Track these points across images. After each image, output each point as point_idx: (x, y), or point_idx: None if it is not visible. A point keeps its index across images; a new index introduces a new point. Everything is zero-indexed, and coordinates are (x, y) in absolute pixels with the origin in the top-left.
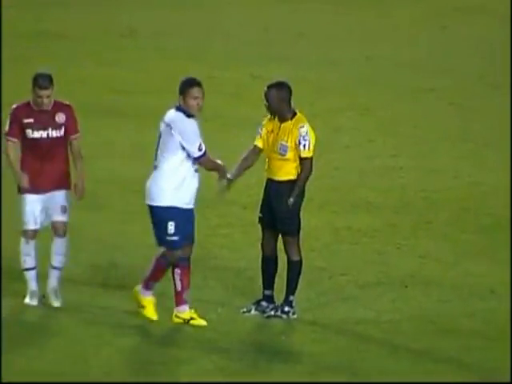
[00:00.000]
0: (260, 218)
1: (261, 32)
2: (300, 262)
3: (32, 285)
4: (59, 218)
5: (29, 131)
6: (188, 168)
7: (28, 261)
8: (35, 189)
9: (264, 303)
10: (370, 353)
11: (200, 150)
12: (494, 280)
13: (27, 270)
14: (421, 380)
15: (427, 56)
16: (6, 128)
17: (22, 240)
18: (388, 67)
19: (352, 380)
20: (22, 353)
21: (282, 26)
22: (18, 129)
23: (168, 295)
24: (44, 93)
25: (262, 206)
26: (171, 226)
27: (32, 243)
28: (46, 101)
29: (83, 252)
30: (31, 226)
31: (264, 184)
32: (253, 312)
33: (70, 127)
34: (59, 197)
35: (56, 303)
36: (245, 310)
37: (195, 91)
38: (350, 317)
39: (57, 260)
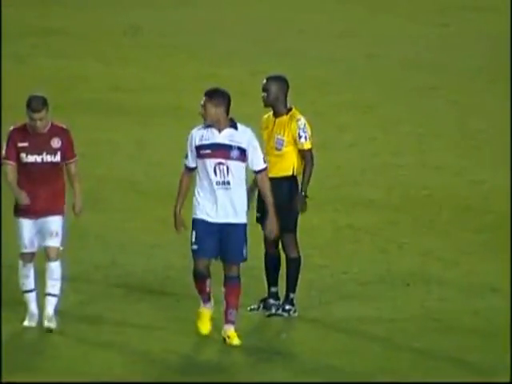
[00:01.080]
0: (258, 217)
1: (262, 29)
2: (299, 259)
3: (31, 307)
4: (50, 242)
5: (23, 155)
6: (204, 180)
7: (26, 283)
8: (29, 213)
9: (271, 300)
10: (371, 351)
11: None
12: (496, 278)
13: (26, 292)
14: (421, 379)
15: (429, 54)
16: (3, 151)
17: (20, 263)
18: (389, 65)
19: (353, 379)
20: (21, 352)
21: (283, 22)
22: (15, 152)
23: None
24: (37, 115)
25: (258, 205)
26: (193, 236)
27: (30, 266)
28: (39, 124)
29: (85, 250)
30: (27, 248)
31: None
32: (260, 310)
33: (67, 152)
34: (52, 222)
35: (50, 325)
36: (252, 307)
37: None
38: (351, 315)
39: (51, 286)
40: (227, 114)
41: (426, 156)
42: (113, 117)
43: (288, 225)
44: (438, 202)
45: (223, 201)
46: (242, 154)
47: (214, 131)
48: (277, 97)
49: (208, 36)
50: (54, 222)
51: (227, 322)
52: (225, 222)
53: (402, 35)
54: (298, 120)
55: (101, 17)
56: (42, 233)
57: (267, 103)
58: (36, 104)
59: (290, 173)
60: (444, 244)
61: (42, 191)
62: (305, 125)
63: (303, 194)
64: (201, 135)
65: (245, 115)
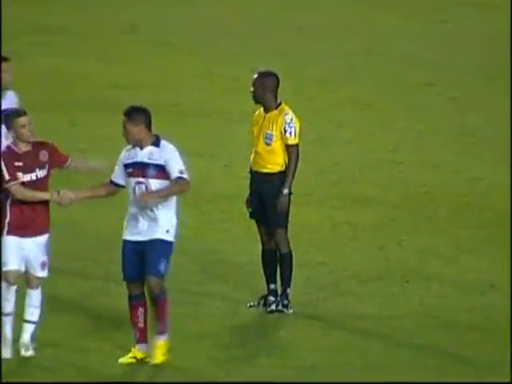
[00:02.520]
0: (250, 213)
1: (261, 27)
2: (290, 254)
3: (6, 331)
4: (38, 274)
5: (19, 174)
6: (130, 199)
7: (7, 306)
8: (20, 233)
9: (271, 298)
10: (370, 347)
11: None
12: (495, 275)
13: (5, 315)
14: (420, 375)
15: (427, 51)
16: (5, 175)
17: (3, 284)
18: (388, 62)
19: (352, 376)
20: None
21: (282, 20)
22: (14, 172)
23: None
24: (27, 119)
25: (250, 200)
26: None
27: (13, 289)
28: (29, 128)
29: (83, 247)
30: (12, 266)
31: (249, 178)
32: (260, 307)
33: (60, 158)
34: (40, 249)
35: (27, 354)
36: (252, 304)
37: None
38: (350, 312)
39: (30, 313)
40: (149, 130)
41: (425, 153)
42: (112, 114)
43: (279, 220)
44: (437, 198)
45: (145, 220)
46: (161, 171)
47: (137, 149)
48: (263, 92)
49: (207, 34)
50: (43, 249)
51: (156, 332)
52: (147, 239)
53: (401, 32)
54: (285, 114)
55: (100, 15)
56: (28, 260)
57: (254, 98)
58: (18, 110)
59: (281, 168)
60: (443, 241)
61: (33, 210)
62: (291, 120)
63: (286, 191)
64: (128, 154)
65: (244, 113)
